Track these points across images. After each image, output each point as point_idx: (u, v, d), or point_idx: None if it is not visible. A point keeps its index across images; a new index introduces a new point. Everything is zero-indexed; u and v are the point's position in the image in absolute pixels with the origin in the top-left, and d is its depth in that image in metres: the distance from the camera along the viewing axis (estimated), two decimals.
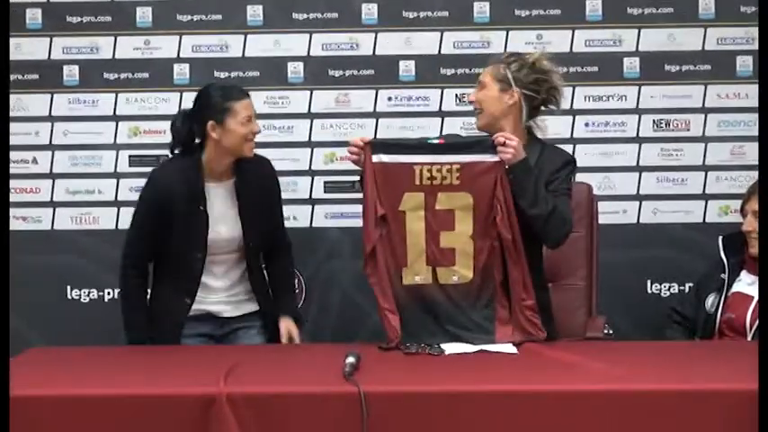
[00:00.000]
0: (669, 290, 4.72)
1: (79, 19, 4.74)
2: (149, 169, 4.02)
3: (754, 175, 4.15)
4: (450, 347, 3.33)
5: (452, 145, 3.51)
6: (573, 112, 4.70)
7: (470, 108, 3.70)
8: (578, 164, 4.57)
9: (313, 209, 4.75)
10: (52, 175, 4.76)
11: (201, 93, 3.86)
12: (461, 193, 3.45)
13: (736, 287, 4.09)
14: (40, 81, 4.74)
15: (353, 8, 4.73)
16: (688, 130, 4.72)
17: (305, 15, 4.74)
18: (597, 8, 4.70)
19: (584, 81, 4.71)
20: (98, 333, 4.35)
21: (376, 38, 4.74)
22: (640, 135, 4.72)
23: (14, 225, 4.66)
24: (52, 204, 4.77)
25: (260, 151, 3.90)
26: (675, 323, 4.22)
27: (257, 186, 3.86)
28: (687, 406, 2.83)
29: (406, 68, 4.73)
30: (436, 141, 3.52)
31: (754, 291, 4.01)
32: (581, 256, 4.17)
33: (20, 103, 4.72)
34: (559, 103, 3.67)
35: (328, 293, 4.73)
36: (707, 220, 4.71)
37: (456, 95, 4.68)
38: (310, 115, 4.75)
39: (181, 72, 4.73)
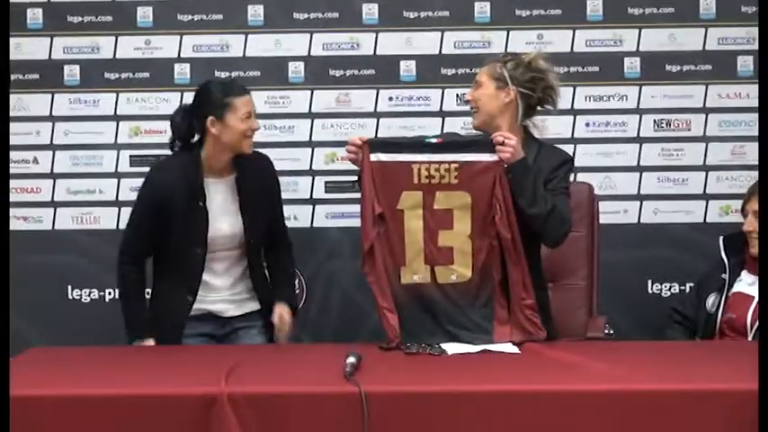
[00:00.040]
0: (670, 290, 4.72)
1: (80, 19, 4.74)
2: None
3: (755, 175, 4.15)
4: (452, 348, 3.33)
5: (451, 144, 3.51)
6: (574, 112, 4.71)
7: None
8: (579, 164, 4.60)
9: (314, 209, 4.75)
10: (53, 175, 4.77)
11: (202, 88, 3.86)
12: (460, 192, 3.45)
13: (737, 287, 4.09)
14: (40, 81, 4.74)
15: (354, 8, 4.72)
16: (689, 130, 4.72)
17: (306, 15, 4.74)
18: (598, 8, 4.70)
19: (585, 81, 4.71)
20: (99, 333, 4.35)
21: (377, 38, 4.74)
22: (641, 135, 4.72)
23: (15, 225, 4.66)
24: (53, 204, 4.77)
25: (261, 151, 3.91)
26: (676, 323, 4.23)
27: (257, 182, 3.86)
28: (688, 406, 2.83)
29: (407, 68, 4.73)
30: (434, 140, 3.52)
31: (754, 291, 4.01)
32: (582, 256, 4.17)
33: (21, 102, 4.72)
34: (556, 102, 3.68)
35: (329, 293, 4.73)
36: (708, 220, 4.71)
37: (457, 95, 4.67)
38: (311, 115, 4.75)
39: (182, 72, 4.73)
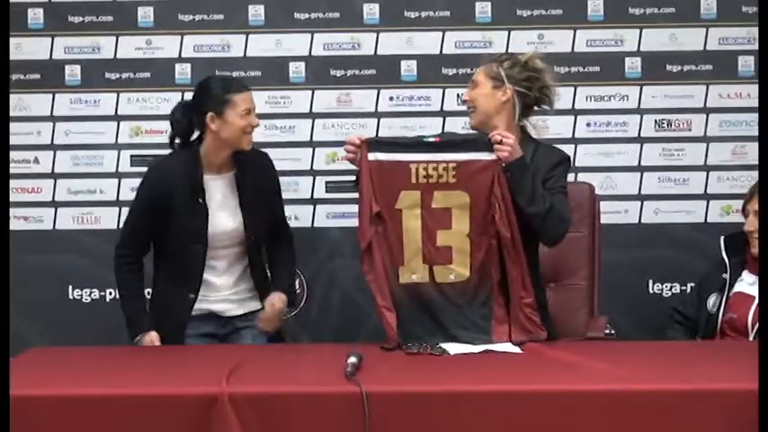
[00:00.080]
0: (671, 290, 4.72)
1: (81, 19, 4.74)
2: None
3: (756, 175, 4.14)
4: (454, 348, 3.33)
5: (448, 143, 3.51)
6: (574, 112, 4.71)
7: None
8: (580, 164, 4.61)
9: (314, 209, 4.75)
10: (54, 175, 4.76)
11: (202, 84, 3.87)
12: (458, 191, 3.45)
13: (738, 287, 4.09)
14: (41, 81, 4.74)
15: (355, 8, 4.72)
16: (690, 130, 4.71)
17: (306, 15, 4.74)
18: (599, 8, 4.70)
19: (586, 81, 4.71)
20: (99, 333, 4.35)
21: (377, 38, 4.74)
22: (642, 135, 4.72)
23: (16, 225, 4.66)
24: (54, 204, 4.77)
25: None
26: (677, 323, 4.23)
27: (257, 179, 3.86)
28: (689, 406, 2.83)
29: (408, 68, 4.73)
30: (432, 140, 3.52)
31: (755, 291, 4.01)
32: (583, 256, 4.17)
33: (21, 102, 4.72)
34: (553, 102, 3.69)
35: (330, 293, 4.73)
36: (708, 220, 4.71)
37: (458, 95, 4.66)
38: (312, 115, 4.75)
39: (182, 72, 4.73)
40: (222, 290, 3.85)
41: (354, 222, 3.53)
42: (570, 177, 3.74)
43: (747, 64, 4.67)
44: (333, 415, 2.85)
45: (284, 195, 4.03)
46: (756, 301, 3.99)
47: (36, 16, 4.72)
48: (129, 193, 4.62)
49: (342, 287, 4.69)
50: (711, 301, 4.12)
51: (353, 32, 4.73)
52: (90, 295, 4.75)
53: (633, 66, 4.71)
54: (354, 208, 3.54)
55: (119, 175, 4.74)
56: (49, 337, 4.54)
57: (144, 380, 3.09)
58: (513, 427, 2.85)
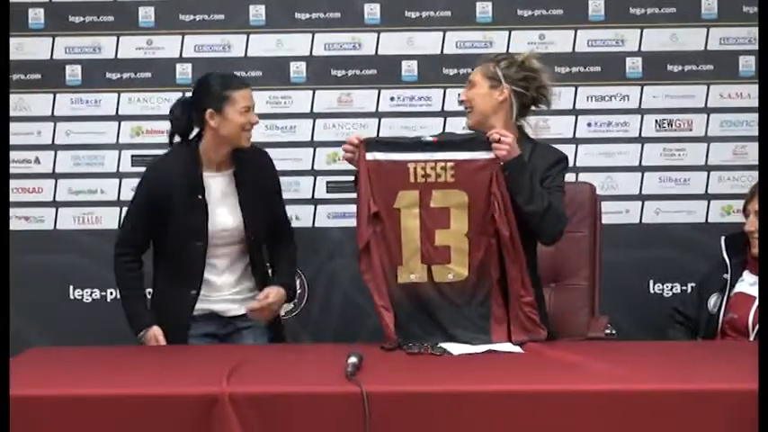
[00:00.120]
0: (671, 290, 4.71)
1: (82, 19, 4.74)
2: None
3: (757, 175, 4.14)
4: (455, 348, 3.33)
5: (446, 142, 3.51)
6: (575, 113, 4.71)
7: None
8: (581, 164, 4.62)
9: (315, 209, 4.75)
10: (55, 175, 4.76)
11: (201, 81, 3.88)
12: (456, 190, 3.45)
13: (739, 287, 4.09)
14: (42, 81, 4.74)
15: (356, 8, 4.72)
16: (690, 130, 4.71)
17: (307, 15, 4.74)
18: (600, 8, 4.69)
19: (587, 81, 4.70)
20: (100, 333, 4.36)
21: (378, 38, 4.73)
22: (643, 135, 4.72)
23: (17, 225, 4.66)
24: (55, 204, 4.77)
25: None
26: (678, 323, 4.22)
27: (256, 177, 3.86)
28: (689, 406, 2.83)
29: (409, 68, 4.73)
30: (430, 139, 3.52)
31: (756, 291, 4.00)
32: (584, 256, 4.17)
33: (22, 102, 4.72)
34: (550, 102, 3.70)
35: (330, 293, 4.73)
36: (709, 220, 4.71)
37: (458, 96, 4.66)
38: (313, 115, 4.75)
39: (183, 72, 4.73)
40: (223, 289, 3.85)
41: (355, 222, 3.53)
42: (571, 177, 3.74)
43: (748, 64, 4.67)
44: (333, 415, 2.85)
45: (285, 195, 4.03)
46: (757, 301, 3.98)
47: (37, 16, 4.72)
48: (129, 194, 4.59)
49: (342, 287, 4.69)
50: (712, 301, 4.12)
51: (354, 32, 4.73)
52: (91, 295, 4.75)
53: (634, 66, 4.71)
54: (355, 208, 3.54)
55: (120, 176, 4.74)
56: (50, 338, 4.54)
57: (144, 380, 3.09)
58: (513, 427, 2.85)
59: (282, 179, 4.03)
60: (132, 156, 4.74)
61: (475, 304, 3.46)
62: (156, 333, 3.75)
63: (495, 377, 3.06)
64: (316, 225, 4.74)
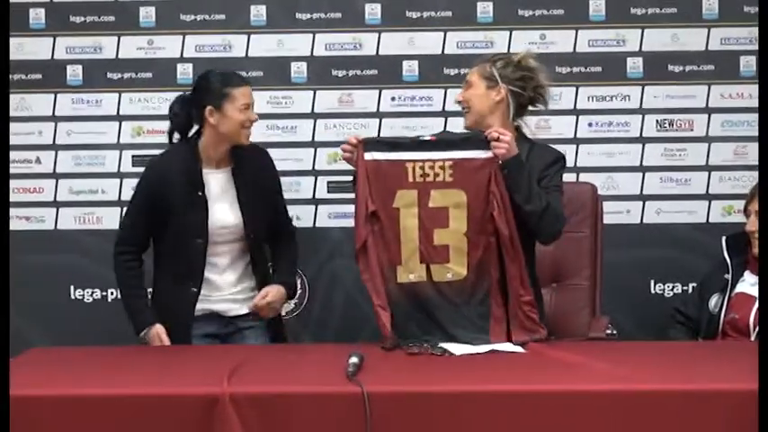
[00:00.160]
0: (672, 290, 4.71)
1: (82, 19, 4.74)
2: None
3: (757, 175, 4.14)
4: (456, 348, 3.33)
5: (445, 142, 3.51)
6: (576, 113, 4.70)
7: None
8: (582, 164, 4.61)
9: (316, 209, 4.75)
10: (55, 175, 4.76)
11: (201, 78, 3.88)
12: (454, 189, 3.45)
13: (740, 287, 4.09)
14: (43, 81, 4.74)
15: (357, 8, 4.72)
16: (691, 130, 4.71)
17: (308, 15, 4.73)
18: (600, 8, 4.69)
19: (588, 81, 4.70)
20: (101, 333, 4.35)
21: (379, 38, 4.73)
22: (644, 135, 4.72)
23: (17, 225, 4.66)
24: (55, 204, 4.77)
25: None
26: (679, 323, 4.22)
27: (255, 175, 3.87)
28: (690, 406, 2.83)
29: (410, 68, 4.73)
30: (428, 138, 3.52)
31: (757, 291, 4.00)
32: (585, 257, 4.17)
33: (23, 102, 4.72)
34: (547, 101, 3.70)
35: (331, 293, 4.73)
36: (710, 221, 4.70)
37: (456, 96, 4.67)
38: (313, 115, 4.75)
39: (184, 72, 4.73)
40: (224, 289, 3.85)
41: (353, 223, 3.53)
42: (572, 177, 3.74)
43: (749, 64, 4.67)
44: (334, 415, 2.85)
45: (286, 195, 4.04)
46: (758, 301, 3.98)
47: (38, 16, 4.72)
48: (130, 194, 4.59)
49: (343, 287, 4.69)
50: (713, 301, 4.12)
51: (355, 33, 4.73)
52: (92, 295, 4.75)
53: (635, 66, 4.71)
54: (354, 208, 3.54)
55: (120, 176, 4.74)
56: (51, 338, 4.54)
57: (145, 380, 3.09)
58: (514, 427, 2.85)
59: (283, 179, 4.04)
60: (133, 156, 4.74)
61: (474, 303, 3.46)
62: (158, 331, 3.75)
63: (496, 377, 3.06)
64: (316, 225, 4.74)
